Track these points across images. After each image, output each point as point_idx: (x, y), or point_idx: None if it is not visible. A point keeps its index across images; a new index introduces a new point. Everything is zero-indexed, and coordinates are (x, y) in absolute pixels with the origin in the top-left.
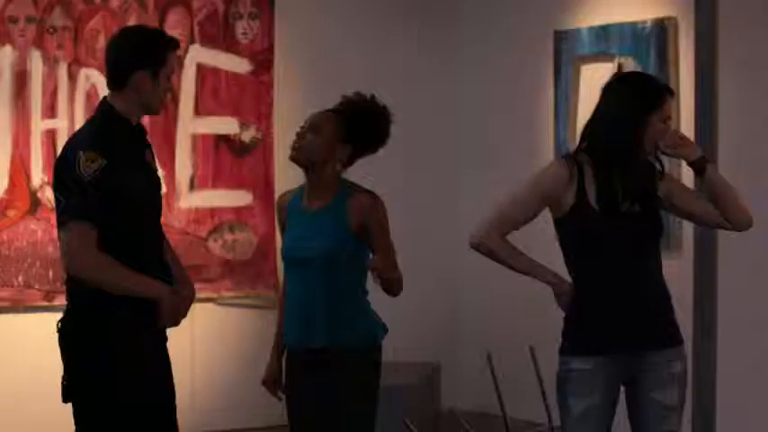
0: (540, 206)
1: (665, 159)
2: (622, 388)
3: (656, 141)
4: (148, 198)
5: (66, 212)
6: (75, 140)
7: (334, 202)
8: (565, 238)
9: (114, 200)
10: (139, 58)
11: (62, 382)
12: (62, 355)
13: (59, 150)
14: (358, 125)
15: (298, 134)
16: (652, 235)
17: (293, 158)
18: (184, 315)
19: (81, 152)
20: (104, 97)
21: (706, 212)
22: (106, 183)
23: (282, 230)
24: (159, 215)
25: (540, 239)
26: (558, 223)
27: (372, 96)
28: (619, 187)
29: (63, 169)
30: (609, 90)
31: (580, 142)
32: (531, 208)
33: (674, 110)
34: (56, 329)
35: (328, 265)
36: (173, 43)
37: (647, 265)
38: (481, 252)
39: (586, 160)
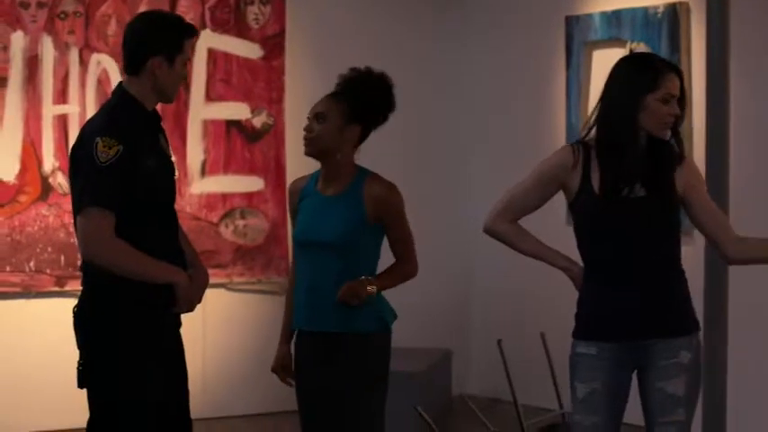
0: (546, 191)
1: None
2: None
3: (656, 122)
4: (163, 184)
5: (83, 198)
6: (92, 126)
7: (350, 187)
8: (574, 222)
9: (131, 186)
10: (157, 44)
11: (78, 368)
12: (77, 340)
13: (71, 136)
14: (361, 102)
15: (306, 128)
16: (657, 221)
17: (309, 153)
18: (199, 301)
19: (98, 138)
20: (120, 83)
21: (709, 229)
22: (123, 169)
23: (293, 217)
24: (173, 201)
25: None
26: (569, 208)
27: (368, 68)
28: (619, 171)
29: (80, 155)
30: (612, 70)
31: (590, 126)
32: (538, 193)
33: (686, 94)
34: (72, 315)
35: (342, 248)
36: (190, 30)
37: (653, 251)
38: (492, 236)
39: (593, 144)
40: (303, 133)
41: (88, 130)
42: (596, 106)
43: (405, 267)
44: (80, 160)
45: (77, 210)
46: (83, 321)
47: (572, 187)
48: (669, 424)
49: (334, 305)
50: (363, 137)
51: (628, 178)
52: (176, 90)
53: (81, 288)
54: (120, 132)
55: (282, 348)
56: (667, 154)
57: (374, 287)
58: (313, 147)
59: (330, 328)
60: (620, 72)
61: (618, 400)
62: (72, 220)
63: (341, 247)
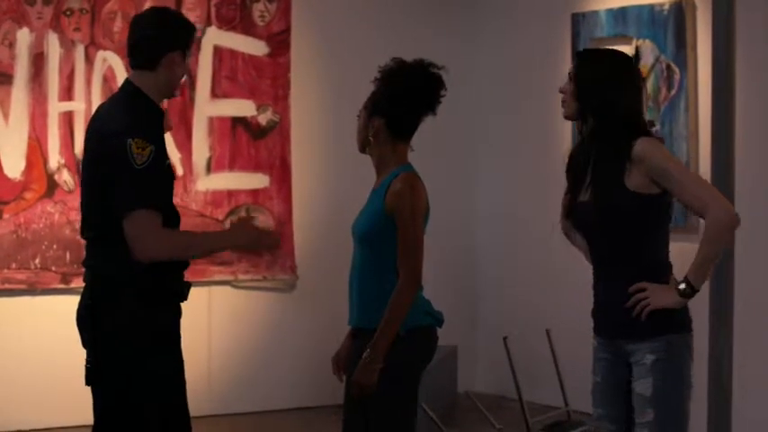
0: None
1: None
2: None
3: None
4: (173, 181)
5: (126, 203)
6: (115, 125)
7: (384, 182)
8: None
9: (158, 183)
10: (176, 39)
11: (86, 366)
12: (84, 338)
13: (76, 133)
14: (378, 93)
15: None
16: (606, 225)
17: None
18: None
19: (129, 140)
20: (128, 79)
21: (692, 207)
22: (155, 168)
23: None
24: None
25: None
26: None
27: (402, 60)
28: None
29: (110, 157)
30: None
31: None
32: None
33: (692, 92)
34: (77, 314)
35: (365, 242)
36: (194, 28)
37: (613, 253)
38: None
39: None
40: None
41: (112, 130)
42: None
43: (395, 298)
44: (112, 162)
45: (123, 214)
46: (93, 318)
47: None
48: (642, 425)
49: (359, 299)
50: (394, 130)
51: (567, 172)
52: (180, 85)
53: (84, 284)
54: (148, 132)
55: (344, 341)
56: (610, 155)
57: (369, 354)
58: (357, 142)
59: (355, 323)
60: None
61: (620, 395)
62: (77, 218)
63: (363, 239)
